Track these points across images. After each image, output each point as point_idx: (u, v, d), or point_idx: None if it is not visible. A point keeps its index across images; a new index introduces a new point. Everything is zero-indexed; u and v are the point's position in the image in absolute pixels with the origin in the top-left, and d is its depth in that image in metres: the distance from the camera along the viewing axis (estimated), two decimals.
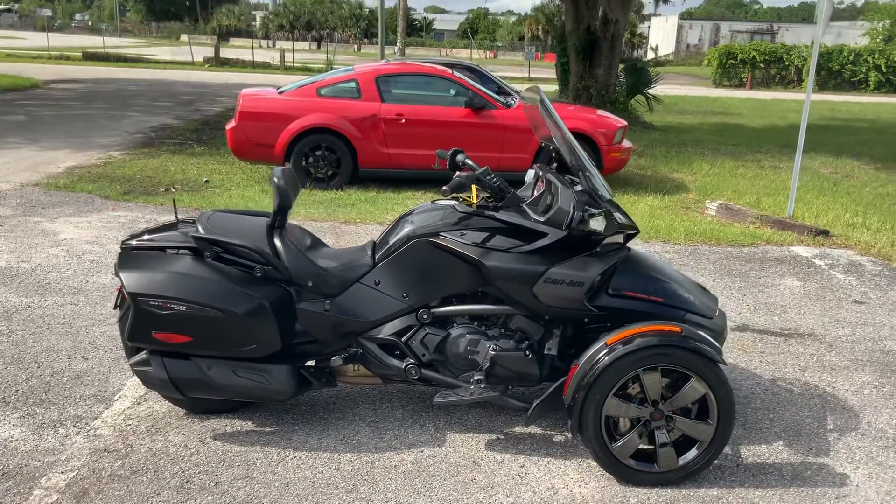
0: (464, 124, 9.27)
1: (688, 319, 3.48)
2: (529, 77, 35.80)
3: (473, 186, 3.60)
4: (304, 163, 9.15)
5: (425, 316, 3.52)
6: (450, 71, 9.83)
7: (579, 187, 3.40)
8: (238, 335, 3.29)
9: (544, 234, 3.38)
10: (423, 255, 3.48)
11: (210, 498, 3.06)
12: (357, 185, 9.28)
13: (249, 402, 3.66)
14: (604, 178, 3.67)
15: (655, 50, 40.42)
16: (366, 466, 3.31)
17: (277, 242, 3.48)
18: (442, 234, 3.46)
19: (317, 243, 3.78)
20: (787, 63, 37.06)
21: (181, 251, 3.42)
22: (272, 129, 9.07)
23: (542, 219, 3.40)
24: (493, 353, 3.47)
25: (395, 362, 3.54)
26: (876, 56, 36.22)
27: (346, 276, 3.54)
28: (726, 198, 9.41)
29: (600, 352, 3.17)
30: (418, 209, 3.68)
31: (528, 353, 3.49)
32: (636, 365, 3.12)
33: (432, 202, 3.70)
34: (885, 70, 36.01)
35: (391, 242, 3.56)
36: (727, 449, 3.53)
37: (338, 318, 3.50)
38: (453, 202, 3.62)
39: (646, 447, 3.25)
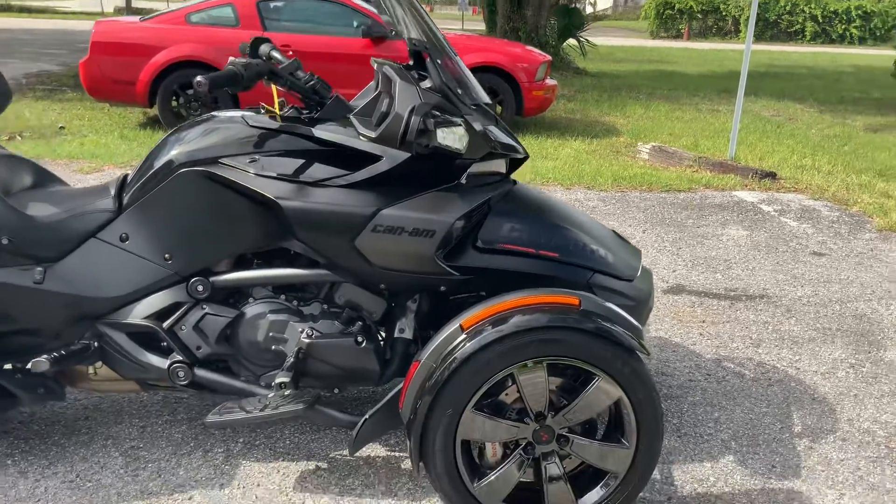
0: (363, 57, 7.94)
1: (595, 283, 2.34)
2: (463, 28, 34.32)
3: (274, 88, 2.37)
4: (173, 103, 7.74)
5: (201, 288, 2.29)
6: None
7: (429, 83, 2.21)
8: None
9: (378, 158, 2.18)
10: (195, 194, 2.24)
11: None
12: None
13: None
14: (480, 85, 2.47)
15: (594, 5, 39.43)
16: None
17: None
18: (222, 160, 2.23)
19: (44, 181, 2.51)
20: (724, 13, 36.33)
21: None
22: (132, 63, 7.59)
23: (373, 134, 2.19)
24: (306, 340, 2.27)
25: (155, 360, 2.31)
26: (812, 6, 35.69)
27: (72, 229, 2.28)
28: (661, 141, 8.34)
29: (452, 340, 1.99)
30: (192, 124, 2.43)
31: (360, 338, 2.30)
32: (508, 359, 1.95)
33: (213, 113, 2.44)
34: (820, 20, 35.51)
35: (147, 175, 2.31)
36: (654, 473, 2.41)
37: (58, 295, 2.25)
38: (245, 112, 2.38)
39: (530, 482, 2.10)
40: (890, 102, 12.64)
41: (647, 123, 9.66)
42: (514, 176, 2.51)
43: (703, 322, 3.58)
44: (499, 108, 8.39)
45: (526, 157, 2.48)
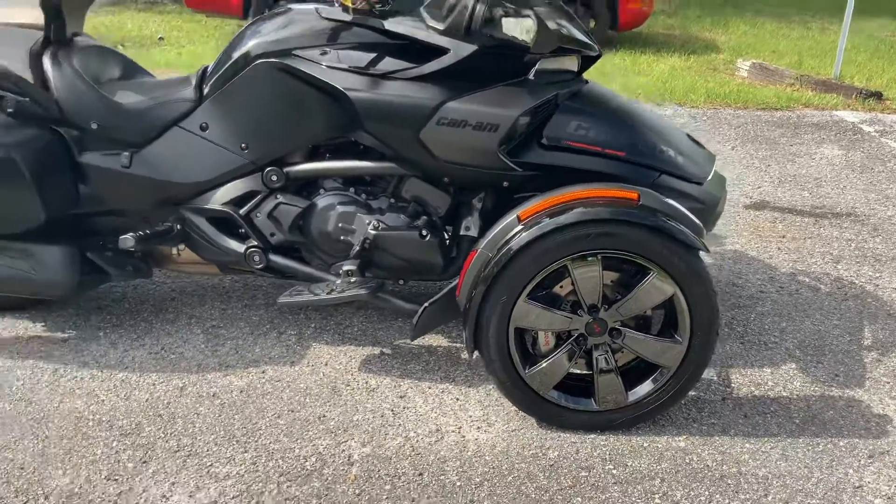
0: None
1: (662, 184, 2.32)
2: None
3: None
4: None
5: (275, 177, 2.40)
6: None
7: None
8: None
9: (446, 51, 2.20)
10: (269, 85, 2.32)
11: None
12: None
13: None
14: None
15: None
16: (171, 394, 2.28)
17: (47, 64, 2.35)
18: (296, 52, 2.29)
19: (133, 72, 2.65)
20: None
21: None
22: None
23: (441, 26, 2.20)
24: (373, 232, 2.36)
25: (233, 244, 2.45)
26: None
27: (157, 117, 2.40)
28: (763, 59, 7.95)
29: (509, 230, 2.04)
30: (268, 16, 2.50)
31: (425, 232, 2.37)
32: (563, 251, 1.99)
33: (289, 6, 2.50)
34: None
35: (225, 67, 2.40)
36: (710, 374, 2.43)
37: (143, 179, 2.39)
38: (318, 5, 2.43)
39: (582, 373, 2.16)
40: None
41: (750, 41, 9.22)
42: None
43: (783, 237, 3.49)
44: (592, 23, 8.17)
45: (599, 56, 2.44)
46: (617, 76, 7.04)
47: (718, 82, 6.85)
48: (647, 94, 6.32)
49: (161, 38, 8.32)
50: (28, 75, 2.30)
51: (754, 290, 2.99)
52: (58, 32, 2.38)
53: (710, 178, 2.46)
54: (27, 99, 2.27)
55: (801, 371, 2.46)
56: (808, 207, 3.87)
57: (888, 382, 2.41)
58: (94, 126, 2.34)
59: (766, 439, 2.14)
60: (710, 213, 2.41)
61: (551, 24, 2.19)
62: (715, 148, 4.85)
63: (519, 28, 2.10)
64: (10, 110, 2.25)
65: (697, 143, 2.63)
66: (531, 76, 2.25)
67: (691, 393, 2.32)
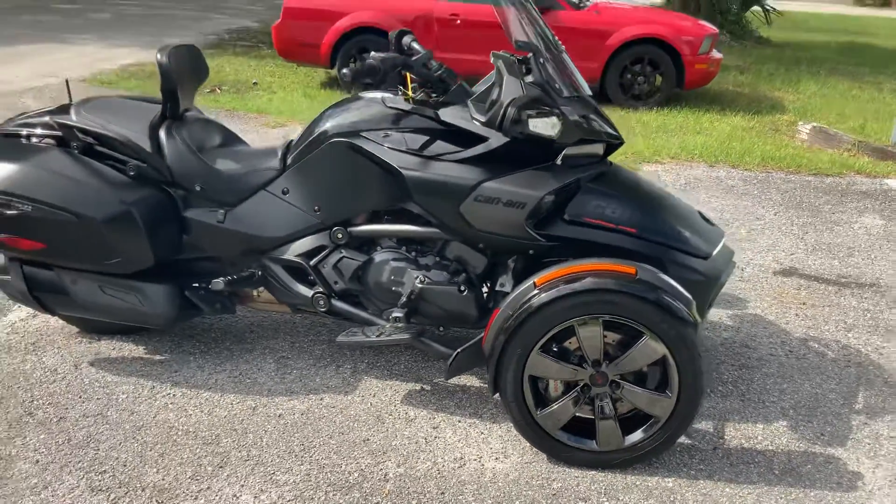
0: None
1: (669, 258, 2.68)
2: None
3: (408, 76, 2.86)
4: (352, 66, 8.45)
5: (340, 235, 2.86)
6: None
7: (531, 78, 2.62)
8: (98, 245, 2.74)
9: (486, 139, 2.64)
10: (340, 160, 2.80)
11: (42, 436, 2.58)
12: None
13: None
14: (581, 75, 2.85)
15: None
16: (244, 413, 2.75)
17: (163, 136, 2.87)
18: (363, 133, 2.77)
19: (231, 141, 3.16)
20: None
21: (45, 140, 2.87)
22: (318, 27, 8.41)
23: (482, 118, 2.65)
24: (419, 285, 2.79)
25: (302, 289, 2.92)
26: None
27: (248, 182, 2.91)
28: (827, 121, 8.13)
29: (527, 294, 2.44)
30: (344, 102, 2.98)
31: (463, 288, 2.79)
32: (570, 313, 2.38)
33: (358, 94, 2.98)
34: None
35: (306, 142, 2.89)
36: (706, 426, 2.76)
37: (234, 232, 2.89)
38: (385, 95, 2.90)
39: (587, 417, 2.53)
40: None
41: (818, 101, 9.36)
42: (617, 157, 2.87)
43: (803, 304, 3.78)
44: (658, 80, 8.51)
45: (622, 143, 2.83)
46: (677, 134, 7.36)
47: (776, 145, 7.07)
48: (703, 154, 6.62)
49: (255, 84, 9.03)
50: (147, 144, 2.83)
51: (764, 353, 3.30)
52: (173, 110, 2.91)
53: (715, 253, 2.80)
54: (145, 164, 2.82)
55: (790, 428, 2.77)
56: (835, 276, 4.13)
57: (868, 444, 2.69)
58: (197, 188, 2.86)
59: (745, 486, 2.47)
60: (713, 286, 2.75)
61: (575, 119, 2.59)
62: (759, 213, 5.14)
63: (543, 125, 2.53)
64: (131, 173, 2.80)
65: (708, 220, 2.98)
66: (559, 161, 2.67)
67: (687, 441, 2.66)
